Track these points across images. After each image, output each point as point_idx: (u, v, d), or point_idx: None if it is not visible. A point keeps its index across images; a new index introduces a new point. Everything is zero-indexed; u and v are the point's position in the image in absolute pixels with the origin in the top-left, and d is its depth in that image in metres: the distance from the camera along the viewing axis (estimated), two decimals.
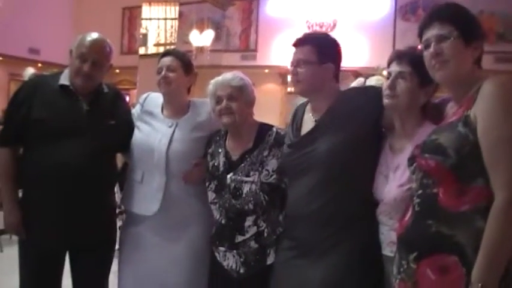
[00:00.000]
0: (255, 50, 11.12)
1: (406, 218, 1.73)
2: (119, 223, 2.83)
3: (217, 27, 11.26)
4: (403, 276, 1.69)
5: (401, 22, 10.03)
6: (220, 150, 2.41)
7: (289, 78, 2.22)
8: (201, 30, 10.85)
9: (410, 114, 1.96)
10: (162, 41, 10.31)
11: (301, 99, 2.32)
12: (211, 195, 2.39)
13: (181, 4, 10.41)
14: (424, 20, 1.78)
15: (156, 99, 2.63)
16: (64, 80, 2.48)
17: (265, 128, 2.41)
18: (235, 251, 2.29)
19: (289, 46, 2.23)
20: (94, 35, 2.50)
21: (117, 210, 2.71)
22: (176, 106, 2.57)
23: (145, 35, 10.50)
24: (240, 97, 2.34)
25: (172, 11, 10.38)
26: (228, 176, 2.33)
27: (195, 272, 2.45)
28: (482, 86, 1.60)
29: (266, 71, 9.76)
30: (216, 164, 2.40)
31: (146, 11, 10.49)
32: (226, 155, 2.39)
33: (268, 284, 2.20)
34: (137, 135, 2.55)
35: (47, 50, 10.71)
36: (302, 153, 2.13)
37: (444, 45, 1.68)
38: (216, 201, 2.36)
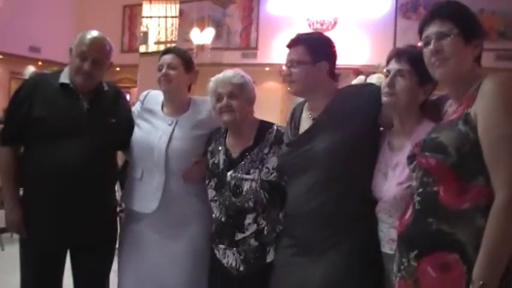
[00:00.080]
0: (256, 48, 11.10)
1: (407, 216, 1.73)
2: (119, 221, 2.83)
3: (218, 25, 11.25)
4: (403, 274, 1.69)
5: (402, 20, 10.02)
6: (220, 148, 2.41)
7: None
8: (202, 28, 10.84)
9: (410, 112, 1.96)
10: (163, 39, 10.29)
11: (301, 98, 2.32)
12: (211, 193, 2.39)
13: (181, 2, 10.38)
14: (424, 17, 1.78)
15: (156, 96, 2.63)
16: (64, 78, 2.48)
17: (265, 125, 2.41)
18: (235, 249, 2.29)
19: None
20: (94, 33, 2.49)
21: (118, 209, 2.70)
22: (176, 104, 2.57)
23: (145, 33, 10.48)
24: (240, 95, 2.34)
25: (173, 9, 10.35)
26: (228, 173, 2.33)
27: (195, 269, 2.45)
28: (482, 84, 1.61)
29: (267, 69, 9.74)
30: (216, 161, 2.40)
31: (147, 9, 10.46)
32: (227, 152, 2.39)
33: (267, 281, 2.21)
34: (137, 133, 2.55)
35: (47, 48, 10.69)
36: (300, 152, 2.14)
37: (444, 42, 1.68)
38: (216, 199, 2.36)
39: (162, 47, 9.49)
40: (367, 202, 2.04)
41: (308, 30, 9.91)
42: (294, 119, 2.28)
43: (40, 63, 10.36)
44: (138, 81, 9.64)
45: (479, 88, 1.61)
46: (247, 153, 2.33)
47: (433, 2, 1.81)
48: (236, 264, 2.29)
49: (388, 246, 1.95)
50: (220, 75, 2.39)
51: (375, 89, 2.11)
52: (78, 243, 2.47)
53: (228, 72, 2.39)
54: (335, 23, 10.34)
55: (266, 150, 2.32)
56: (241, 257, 2.28)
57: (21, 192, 2.53)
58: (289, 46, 2.19)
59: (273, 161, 2.29)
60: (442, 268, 1.59)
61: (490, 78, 1.61)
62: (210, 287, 2.42)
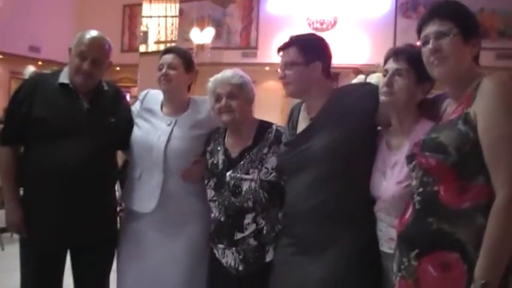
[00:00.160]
0: (256, 48, 11.11)
1: (407, 215, 1.73)
2: (119, 221, 2.83)
3: (218, 25, 11.25)
4: (403, 273, 1.70)
5: (402, 19, 10.03)
6: (219, 148, 2.41)
7: None
8: (202, 27, 10.84)
9: (408, 111, 1.96)
10: (163, 39, 10.29)
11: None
12: (210, 193, 2.39)
13: (181, 2, 10.38)
14: (423, 16, 1.78)
15: (155, 96, 2.63)
16: (64, 78, 2.48)
17: (264, 125, 2.41)
18: (234, 248, 2.29)
19: None
20: (93, 33, 2.49)
21: (118, 208, 2.70)
22: (176, 103, 2.57)
23: (145, 33, 10.48)
24: (240, 95, 2.34)
25: (173, 8, 10.35)
26: (228, 173, 2.33)
27: (194, 268, 2.45)
28: (481, 84, 1.61)
29: (267, 68, 9.75)
30: (215, 161, 2.40)
31: (147, 8, 10.46)
32: (226, 152, 2.39)
33: (267, 281, 2.21)
34: (136, 132, 2.55)
35: (47, 48, 10.70)
36: (298, 151, 2.14)
37: (443, 42, 1.68)
38: (215, 199, 2.36)
39: (162, 47, 9.51)
40: (366, 201, 2.04)
41: (308, 29, 9.93)
42: (292, 119, 2.29)
43: (40, 63, 10.37)
44: (138, 81, 9.65)
45: (479, 87, 1.61)
46: (246, 153, 2.33)
47: (432, 1, 1.81)
48: (235, 264, 2.29)
49: (387, 245, 1.95)
50: (219, 76, 2.39)
51: (371, 88, 2.12)
52: (79, 243, 2.47)
53: (227, 73, 2.39)
54: (335, 22, 10.35)
55: (265, 150, 2.32)
56: (241, 257, 2.28)
57: (21, 192, 2.53)
58: (282, 49, 2.20)
59: (272, 161, 2.29)
60: (443, 267, 1.59)
61: (489, 77, 1.61)
62: (210, 287, 2.42)
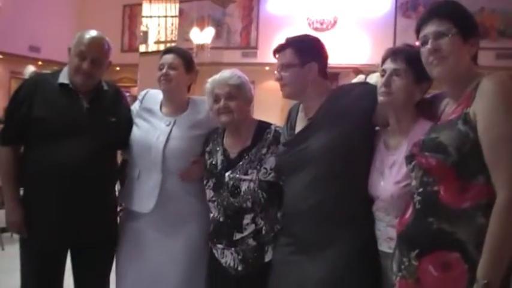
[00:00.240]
0: (256, 48, 11.11)
1: (407, 215, 1.74)
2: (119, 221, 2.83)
3: (218, 25, 11.26)
4: (404, 273, 1.70)
5: (402, 19, 10.03)
6: (218, 149, 2.41)
7: None
8: (202, 27, 10.85)
9: (406, 111, 1.96)
10: (163, 39, 10.30)
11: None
12: (209, 193, 2.39)
13: (181, 2, 10.39)
14: (422, 16, 1.79)
15: (155, 96, 2.63)
16: (63, 78, 2.48)
17: (263, 125, 2.41)
18: (233, 249, 2.29)
19: None
20: (92, 33, 2.49)
21: (118, 208, 2.70)
22: (175, 104, 2.57)
23: (145, 33, 10.49)
24: (238, 95, 2.34)
25: (173, 8, 10.36)
26: (226, 174, 2.33)
27: (193, 268, 2.46)
28: (480, 84, 1.61)
29: (267, 68, 9.75)
30: (214, 162, 2.40)
31: (147, 8, 10.47)
32: (224, 153, 2.39)
33: (266, 281, 2.21)
34: (135, 132, 2.55)
35: (47, 48, 10.71)
36: (296, 151, 2.15)
37: (442, 41, 1.69)
38: (214, 199, 2.36)
39: (162, 47, 9.52)
40: (365, 201, 2.05)
41: (308, 29, 9.93)
42: (291, 119, 2.30)
43: (40, 62, 10.38)
44: (138, 81, 9.66)
45: (478, 87, 1.61)
46: (245, 154, 2.34)
47: (432, 1, 1.81)
48: (234, 264, 2.30)
49: (386, 245, 1.95)
50: (217, 76, 2.40)
51: (369, 88, 2.13)
52: (79, 243, 2.47)
53: (225, 73, 2.39)
54: (335, 22, 10.35)
55: (264, 151, 2.32)
56: (240, 257, 2.28)
57: (21, 192, 2.53)
58: (277, 51, 2.21)
59: (270, 161, 2.30)
60: (443, 267, 1.60)
61: (489, 77, 1.62)
62: (209, 287, 2.42)
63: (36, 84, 2.51)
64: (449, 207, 1.61)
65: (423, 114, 1.95)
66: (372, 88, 2.06)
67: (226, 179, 2.32)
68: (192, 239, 2.47)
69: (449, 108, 1.77)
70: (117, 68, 10.91)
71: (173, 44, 9.17)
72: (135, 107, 2.66)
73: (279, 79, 2.19)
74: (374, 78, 4.02)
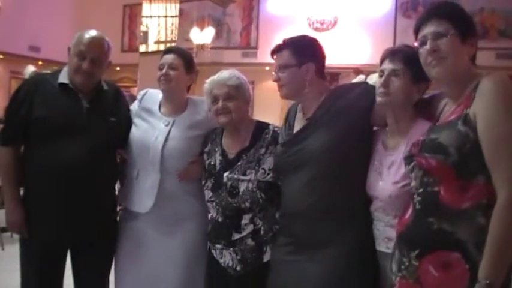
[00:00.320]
0: (256, 48, 11.12)
1: (407, 216, 1.74)
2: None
3: (218, 25, 11.26)
4: (404, 273, 1.70)
5: (402, 19, 10.05)
6: (216, 149, 2.42)
7: None
8: (202, 27, 10.86)
9: (404, 111, 1.96)
10: (163, 39, 10.30)
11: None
12: (208, 194, 2.40)
13: (181, 2, 10.39)
14: (421, 17, 1.79)
15: (154, 96, 2.63)
16: (63, 78, 2.48)
17: (262, 126, 2.42)
18: (231, 249, 2.30)
19: None
20: (92, 33, 2.49)
21: (118, 208, 2.70)
22: (175, 104, 2.57)
23: (145, 33, 10.50)
24: (237, 96, 2.35)
25: (173, 8, 10.36)
26: (225, 174, 2.33)
27: (192, 267, 2.46)
28: (480, 84, 1.62)
29: (267, 68, 9.75)
30: (212, 162, 2.40)
31: (147, 8, 10.48)
32: (223, 153, 2.40)
33: (265, 281, 2.21)
34: (134, 132, 2.55)
35: (47, 48, 10.71)
36: (294, 151, 2.15)
37: (441, 42, 1.69)
38: (213, 200, 2.36)
39: (162, 47, 9.53)
40: (364, 200, 2.05)
41: (308, 29, 9.94)
42: (289, 119, 2.31)
43: (40, 62, 10.38)
44: (138, 81, 9.66)
45: (477, 88, 1.62)
46: (243, 154, 2.34)
47: (432, 1, 1.82)
48: (233, 264, 2.30)
49: (384, 245, 1.95)
50: (215, 77, 2.40)
51: (368, 88, 2.14)
52: (79, 242, 2.47)
53: (224, 74, 2.40)
54: (335, 22, 10.36)
55: (262, 151, 2.33)
56: (238, 257, 2.29)
57: (21, 192, 2.53)
58: (275, 52, 2.22)
59: (269, 162, 2.30)
60: (444, 267, 1.60)
61: (488, 77, 1.62)
62: (207, 287, 2.42)
63: (36, 84, 2.51)
64: (450, 207, 1.61)
65: (421, 114, 1.95)
66: (371, 88, 2.06)
67: (225, 179, 2.32)
68: (191, 239, 2.48)
69: (448, 109, 1.77)
70: (117, 68, 10.93)
71: (173, 44, 9.17)
72: (134, 106, 2.66)
73: (277, 80, 2.20)
74: (374, 79, 4.01)
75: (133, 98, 2.82)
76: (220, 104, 2.33)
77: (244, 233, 2.28)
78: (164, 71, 2.50)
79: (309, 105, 2.19)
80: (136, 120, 2.59)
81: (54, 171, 2.35)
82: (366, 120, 2.09)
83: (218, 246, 2.34)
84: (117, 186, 2.72)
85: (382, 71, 1.97)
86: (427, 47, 1.71)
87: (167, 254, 2.46)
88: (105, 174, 2.49)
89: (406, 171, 1.82)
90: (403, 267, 1.71)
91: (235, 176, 2.31)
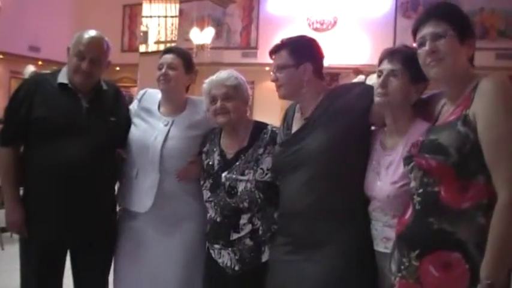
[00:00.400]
0: (256, 48, 11.13)
1: (406, 216, 1.74)
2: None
3: (218, 25, 11.27)
4: (404, 273, 1.70)
5: (402, 19, 10.06)
6: (215, 149, 2.42)
7: None
8: (202, 27, 10.87)
9: (403, 111, 1.97)
10: (163, 39, 10.31)
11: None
12: (206, 194, 2.40)
13: (181, 2, 10.40)
14: (419, 18, 1.79)
15: (153, 95, 2.63)
16: (62, 78, 2.48)
17: (260, 126, 2.42)
18: (230, 249, 2.30)
19: None
20: (91, 33, 2.49)
21: (118, 208, 2.70)
22: (174, 104, 2.58)
23: (145, 33, 10.51)
24: (235, 96, 2.35)
25: (173, 8, 10.37)
26: (223, 174, 2.33)
27: (190, 266, 2.46)
28: (479, 84, 1.62)
29: (267, 68, 9.75)
30: (210, 162, 2.41)
31: (147, 8, 10.49)
32: (221, 153, 2.40)
33: (263, 280, 2.22)
34: (134, 132, 2.56)
35: (47, 48, 10.73)
36: (292, 151, 2.16)
37: (439, 43, 1.70)
38: (211, 200, 2.36)
39: (162, 47, 9.53)
40: (361, 200, 2.05)
41: (308, 29, 9.95)
42: (287, 119, 2.31)
43: (40, 62, 10.39)
44: (138, 81, 9.67)
45: (476, 88, 1.62)
46: (241, 154, 2.34)
47: (432, 1, 1.82)
48: (231, 264, 2.30)
49: (382, 245, 1.95)
50: (214, 77, 2.40)
51: (366, 88, 2.14)
52: (79, 242, 2.47)
53: (222, 74, 2.40)
54: (335, 22, 10.38)
55: (261, 151, 2.33)
56: (237, 257, 2.29)
57: (21, 192, 2.53)
58: (273, 52, 2.23)
59: (267, 162, 2.30)
60: (445, 267, 1.60)
61: (488, 78, 1.62)
62: (206, 287, 2.42)
63: (36, 84, 2.51)
64: (450, 207, 1.61)
65: (420, 114, 1.95)
66: (369, 88, 2.07)
67: (223, 179, 2.33)
68: (190, 239, 2.48)
69: (446, 109, 1.77)
70: (117, 68, 10.93)
71: (173, 44, 9.17)
72: (133, 106, 2.66)
73: (275, 80, 2.21)
74: (374, 79, 4.01)
75: (132, 100, 2.82)
76: (218, 104, 2.34)
77: (242, 233, 2.28)
78: (163, 70, 2.50)
79: (307, 105, 2.19)
80: (135, 120, 2.59)
81: (54, 171, 2.35)
82: (364, 120, 2.09)
83: (216, 246, 2.34)
84: (117, 186, 2.72)
85: (380, 71, 1.97)
86: (426, 47, 1.72)
87: (166, 253, 2.46)
88: (105, 174, 2.49)
89: (405, 172, 1.82)
90: (403, 267, 1.71)
91: (234, 176, 2.31)
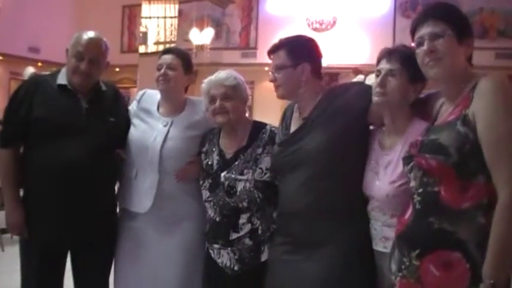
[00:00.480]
0: (255, 48, 11.14)
1: (406, 216, 1.74)
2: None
3: (217, 25, 11.27)
4: (404, 273, 1.70)
5: (401, 19, 10.06)
6: (214, 149, 2.42)
7: None
8: (201, 28, 10.87)
9: (401, 111, 1.97)
10: (162, 39, 10.32)
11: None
12: (205, 194, 2.40)
13: (181, 2, 10.41)
14: (417, 18, 1.79)
15: (153, 96, 2.64)
16: (61, 79, 2.48)
17: (259, 126, 2.42)
18: (229, 248, 2.30)
19: None
20: (90, 34, 2.50)
21: (118, 208, 2.70)
22: (173, 104, 2.58)
23: (145, 34, 10.52)
24: (234, 96, 2.36)
25: (172, 9, 10.38)
26: (222, 174, 2.34)
27: (190, 267, 2.46)
28: (479, 84, 1.62)
29: (266, 68, 9.74)
30: (209, 162, 2.41)
31: (146, 9, 10.50)
32: (220, 153, 2.40)
33: (262, 280, 2.22)
34: (133, 132, 2.56)
35: (47, 49, 10.72)
36: (291, 151, 2.16)
37: (438, 42, 1.70)
38: (211, 200, 2.37)
39: (161, 47, 9.53)
40: (360, 200, 2.06)
41: (307, 29, 9.95)
42: (285, 119, 2.31)
43: (40, 63, 10.39)
44: (138, 82, 9.67)
45: (476, 88, 1.62)
46: (240, 154, 2.35)
47: (431, 1, 1.82)
48: (231, 264, 2.30)
49: (381, 244, 1.96)
50: (212, 77, 2.41)
51: (364, 87, 2.15)
52: (79, 243, 2.47)
53: (221, 74, 2.40)
54: (334, 22, 10.38)
55: (259, 151, 2.33)
56: (236, 257, 2.29)
57: (21, 193, 2.53)
58: (271, 52, 2.23)
59: (266, 161, 2.31)
60: (445, 266, 1.60)
61: (487, 78, 1.63)
62: (205, 287, 2.43)
63: (36, 85, 2.51)
64: (450, 207, 1.62)
65: (418, 114, 1.96)
66: (367, 88, 2.07)
67: (222, 179, 2.33)
68: (189, 239, 2.48)
69: (445, 109, 1.78)
70: (117, 69, 10.92)
71: (173, 45, 9.18)
72: (132, 107, 2.66)
73: (273, 80, 2.21)
74: (373, 79, 4.01)
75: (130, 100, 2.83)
76: (217, 104, 2.34)
77: (241, 233, 2.28)
78: (162, 71, 2.50)
79: (305, 105, 2.20)
80: (134, 120, 2.59)
81: (53, 172, 2.36)
82: (362, 119, 2.10)
83: (216, 246, 2.35)
84: (117, 187, 2.72)
85: (379, 71, 1.97)
86: (424, 47, 1.72)
87: (166, 253, 2.46)
88: (104, 174, 2.50)
89: (405, 171, 1.82)
90: (403, 267, 1.71)
91: (233, 176, 2.31)
